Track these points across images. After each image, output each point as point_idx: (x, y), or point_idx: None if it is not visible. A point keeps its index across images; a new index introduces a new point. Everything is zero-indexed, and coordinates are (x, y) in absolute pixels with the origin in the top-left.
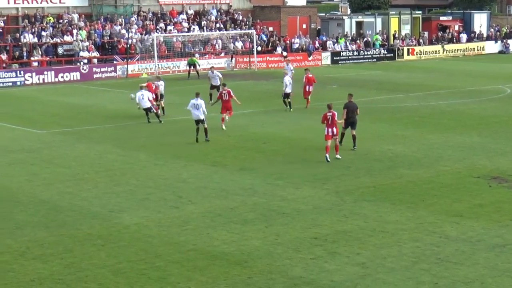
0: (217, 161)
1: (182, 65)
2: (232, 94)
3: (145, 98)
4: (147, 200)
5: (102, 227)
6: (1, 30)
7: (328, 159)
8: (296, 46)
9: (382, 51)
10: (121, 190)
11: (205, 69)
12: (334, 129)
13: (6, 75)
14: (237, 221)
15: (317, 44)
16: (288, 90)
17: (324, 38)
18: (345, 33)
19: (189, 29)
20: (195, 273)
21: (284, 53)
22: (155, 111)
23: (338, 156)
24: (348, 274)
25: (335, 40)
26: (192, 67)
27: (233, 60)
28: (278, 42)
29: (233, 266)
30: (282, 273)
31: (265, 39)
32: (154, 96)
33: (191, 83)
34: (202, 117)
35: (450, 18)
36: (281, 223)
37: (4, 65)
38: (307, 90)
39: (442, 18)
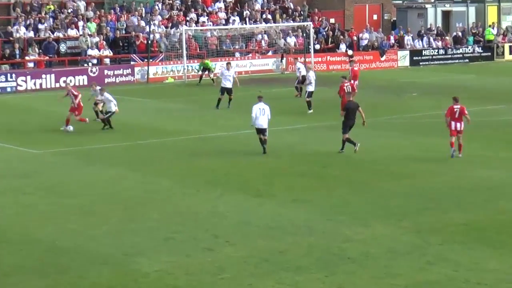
0: (262, 190)
1: (217, 66)
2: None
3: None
4: (173, 240)
5: (114, 275)
6: None
7: (454, 155)
8: (364, 42)
9: (477, 49)
10: (139, 227)
11: (247, 71)
12: (459, 125)
13: None
14: (289, 268)
15: (392, 40)
16: (312, 88)
17: (401, 33)
18: (428, 26)
19: (227, 21)
20: None
21: (350, 52)
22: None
23: (460, 155)
24: None
25: (415, 35)
26: (205, 72)
27: (284, 60)
28: (341, 37)
29: None
30: None
31: (324, 34)
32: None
33: (205, 92)
34: (266, 125)
35: None
36: (345, 271)
37: None
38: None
39: None
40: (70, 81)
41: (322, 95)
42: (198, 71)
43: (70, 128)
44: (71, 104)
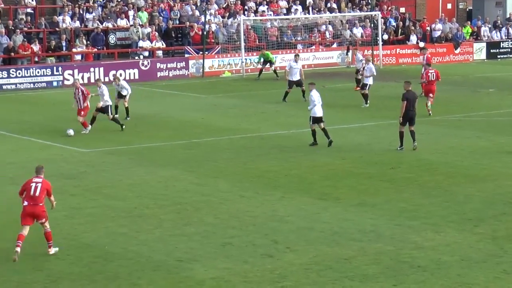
0: (326, 193)
1: (278, 60)
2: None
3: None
4: (229, 246)
5: (167, 282)
6: (32, 11)
7: None
8: (437, 34)
9: None
10: (193, 231)
11: (310, 65)
12: None
13: (38, 72)
14: (354, 276)
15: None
16: (371, 81)
17: (478, 23)
18: (507, 16)
19: (288, 10)
20: None
21: (421, 44)
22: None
23: None
24: None
25: (492, 26)
26: (265, 65)
27: (350, 53)
28: (412, 28)
29: None
30: None
31: (394, 24)
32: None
33: (265, 86)
34: (321, 113)
35: None
36: (415, 280)
37: (36, 59)
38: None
39: None
40: (77, 79)
41: (392, 91)
42: (257, 63)
43: (71, 131)
44: (77, 106)
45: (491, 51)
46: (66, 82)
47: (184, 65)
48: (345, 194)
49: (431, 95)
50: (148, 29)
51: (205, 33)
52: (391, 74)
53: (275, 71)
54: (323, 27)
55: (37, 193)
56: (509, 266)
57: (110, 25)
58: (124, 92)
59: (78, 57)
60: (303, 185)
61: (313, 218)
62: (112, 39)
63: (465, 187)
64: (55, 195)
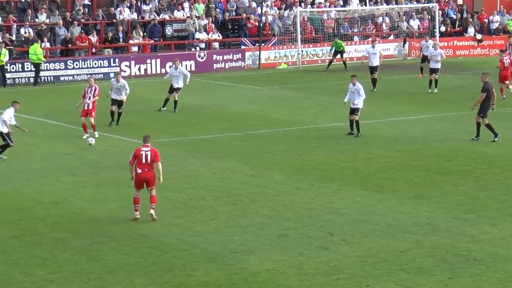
0: (382, 186)
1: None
2: None
3: None
4: (285, 238)
5: (222, 273)
6: (90, 3)
7: None
8: (495, 26)
9: None
10: (248, 223)
11: (352, 58)
12: None
13: (96, 63)
14: (409, 269)
15: None
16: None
17: None
18: None
19: (345, 2)
20: None
21: (479, 36)
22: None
23: None
24: None
25: None
26: (336, 56)
27: (406, 45)
28: (470, 20)
29: None
30: None
31: (452, 16)
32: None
33: (321, 78)
34: (360, 105)
35: None
36: (471, 273)
37: (93, 50)
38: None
39: None
40: (92, 77)
41: (448, 83)
42: (330, 52)
43: (92, 140)
44: (82, 105)
45: None
46: (122, 74)
47: (240, 57)
48: (401, 187)
49: (507, 82)
50: (205, 21)
51: (261, 24)
52: (448, 66)
53: (344, 62)
54: (380, 19)
55: (149, 160)
56: None
57: (166, 17)
58: (179, 85)
59: (135, 49)
60: (359, 177)
61: (368, 211)
62: (168, 30)
63: None
64: (111, 186)
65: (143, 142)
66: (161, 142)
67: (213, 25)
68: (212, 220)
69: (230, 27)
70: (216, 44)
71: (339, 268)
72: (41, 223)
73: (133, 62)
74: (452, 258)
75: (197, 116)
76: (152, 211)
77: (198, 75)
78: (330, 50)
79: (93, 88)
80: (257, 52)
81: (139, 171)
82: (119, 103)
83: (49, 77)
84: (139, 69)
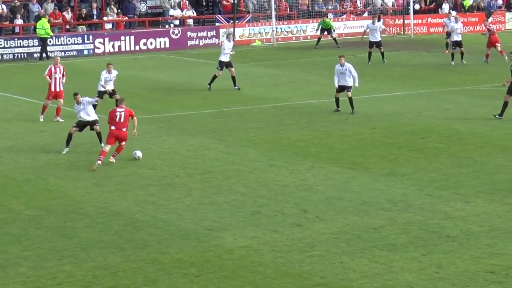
0: (356, 163)
1: (309, 29)
2: None
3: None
4: (259, 215)
5: (196, 250)
6: None
7: None
8: (470, 3)
9: None
10: (223, 200)
11: (340, 34)
12: None
13: (69, 40)
14: (383, 246)
15: (499, 1)
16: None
17: None
18: None
19: None
20: None
21: (453, 13)
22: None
23: None
24: None
25: None
26: (324, 33)
27: (381, 22)
28: None
29: None
30: None
31: None
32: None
33: (295, 55)
34: (350, 83)
35: None
36: (444, 250)
37: (67, 27)
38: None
39: None
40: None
41: (422, 60)
42: (316, 31)
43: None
44: (52, 87)
45: None
46: (96, 51)
47: (215, 34)
48: (375, 164)
49: (498, 44)
50: None
51: (235, 1)
52: (422, 43)
53: (335, 39)
54: None
55: (122, 120)
56: None
57: None
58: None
59: (109, 26)
60: (333, 154)
61: (342, 188)
62: (143, 7)
63: (495, 157)
64: (85, 163)
65: (117, 105)
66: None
67: (187, 2)
68: (186, 197)
69: (204, 4)
70: (191, 21)
71: (313, 245)
72: (15, 201)
73: (107, 39)
74: (426, 235)
75: (171, 93)
76: (112, 159)
77: (172, 52)
78: (317, 29)
79: (61, 68)
80: (232, 29)
81: (112, 127)
82: (111, 93)
83: (22, 54)
84: (113, 46)
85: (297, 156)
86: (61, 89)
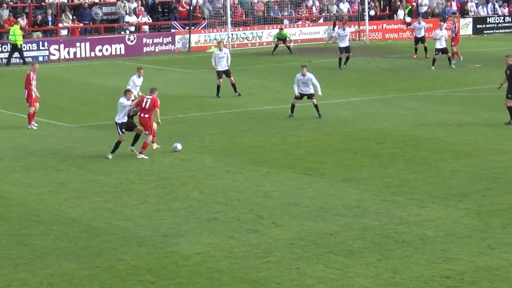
0: (311, 168)
1: (264, 35)
2: None
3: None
4: (215, 221)
5: (152, 257)
6: None
7: None
8: (424, 9)
9: None
10: (179, 206)
11: (296, 40)
12: None
13: (24, 46)
14: (339, 251)
15: (453, 7)
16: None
17: None
18: None
19: None
20: None
21: (408, 19)
22: None
23: None
24: None
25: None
26: (281, 42)
27: (336, 28)
28: (399, 3)
29: None
30: None
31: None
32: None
33: (250, 62)
34: (312, 91)
35: None
36: (399, 255)
37: (22, 34)
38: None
39: None
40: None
41: (377, 66)
42: (274, 39)
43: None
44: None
45: (477, 26)
46: (52, 57)
47: (170, 40)
48: (331, 170)
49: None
50: (135, 4)
51: (191, 8)
52: (377, 49)
53: (288, 47)
54: (310, 2)
55: (147, 106)
56: (493, 241)
57: (96, 0)
58: (224, 68)
59: (64, 32)
60: (289, 160)
61: (298, 194)
62: (98, 14)
63: (450, 163)
64: (40, 170)
65: (150, 92)
66: (90, 126)
67: (143, 8)
68: (142, 204)
69: (160, 10)
70: (146, 28)
71: (269, 251)
72: None
73: (62, 46)
74: (381, 240)
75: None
76: (140, 155)
77: (128, 59)
78: (273, 40)
79: (34, 74)
80: (187, 36)
81: (141, 115)
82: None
83: None
84: (68, 53)
85: (253, 162)
86: (37, 94)
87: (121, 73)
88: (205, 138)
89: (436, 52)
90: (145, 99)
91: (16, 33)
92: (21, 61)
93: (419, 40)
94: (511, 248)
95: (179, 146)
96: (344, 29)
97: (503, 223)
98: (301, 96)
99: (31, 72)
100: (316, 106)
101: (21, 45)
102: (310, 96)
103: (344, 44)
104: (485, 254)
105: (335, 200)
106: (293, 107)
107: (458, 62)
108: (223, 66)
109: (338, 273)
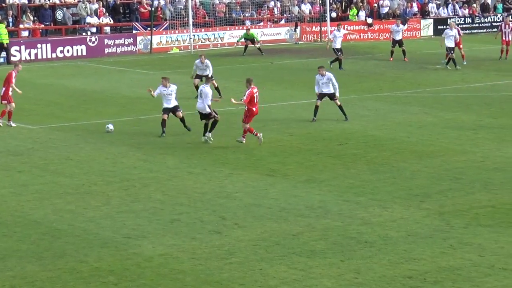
0: (274, 169)
1: (226, 36)
2: None
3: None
4: (178, 223)
5: (114, 258)
6: None
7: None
8: (385, 10)
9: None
10: (141, 208)
11: (264, 41)
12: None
13: None
14: (302, 252)
15: (414, 8)
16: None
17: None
18: None
19: None
20: None
21: (369, 20)
22: None
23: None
24: None
25: (440, 3)
26: (249, 42)
27: (298, 29)
28: (360, 5)
29: None
30: None
31: (342, 1)
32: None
33: (240, 61)
34: (332, 90)
35: None
36: (362, 256)
37: None
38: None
39: None
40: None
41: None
42: (239, 42)
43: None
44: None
45: (438, 27)
46: (12, 58)
47: (132, 41)
48: (293, 170)
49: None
50: (96, 5)
51: (153, 9)
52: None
53: (259, 48)
54: (271, 3)
55: (258, 99)
56: (456, 241)
57: (57, 1)
58: (207, 72)
59: (25, 33)
60: (251, 161)
61: (261, 195)
62: (59, 15)
63: (412, 163)
64: (2, 172)
65: (251, 84)
66: (52, 128)
67: (104, 9)
68: (104, 206)
69: (121, 11)
70: (108, 29)
71: (232, 252)
72: None
73: (23, 47)
74: (344, 240)
75: (88, 101)
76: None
77: (89, 60)
78: (239, 40)
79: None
80: (149, 37)
81: (254, 109)
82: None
83: None
84: (29, 54)
85: (216, 163)
86: (19, 92)
87: (83, 75)
88: (167, 139)
89: (452, 52)
90: (256, 93)
91: (1, 32)
92: (5, 61)
93: (396, 43)
94: (473, 248)
95: (110, 126)
96: (339, 30)
97: (465, 223)
98: (321, 96)
99: (14, 72)
100: (340, 106)
101: (7, 44)
102: (331, 97)
103: (339, 45)
104: (447, 254)
105: (298, 201)
106: (316, 109)
107: (443, 63)
108: (205, 72)
109: (301, 273)
